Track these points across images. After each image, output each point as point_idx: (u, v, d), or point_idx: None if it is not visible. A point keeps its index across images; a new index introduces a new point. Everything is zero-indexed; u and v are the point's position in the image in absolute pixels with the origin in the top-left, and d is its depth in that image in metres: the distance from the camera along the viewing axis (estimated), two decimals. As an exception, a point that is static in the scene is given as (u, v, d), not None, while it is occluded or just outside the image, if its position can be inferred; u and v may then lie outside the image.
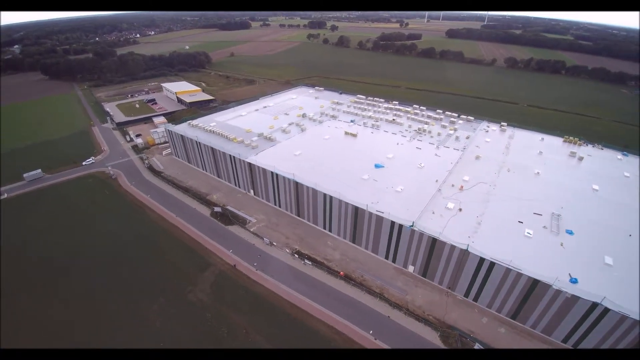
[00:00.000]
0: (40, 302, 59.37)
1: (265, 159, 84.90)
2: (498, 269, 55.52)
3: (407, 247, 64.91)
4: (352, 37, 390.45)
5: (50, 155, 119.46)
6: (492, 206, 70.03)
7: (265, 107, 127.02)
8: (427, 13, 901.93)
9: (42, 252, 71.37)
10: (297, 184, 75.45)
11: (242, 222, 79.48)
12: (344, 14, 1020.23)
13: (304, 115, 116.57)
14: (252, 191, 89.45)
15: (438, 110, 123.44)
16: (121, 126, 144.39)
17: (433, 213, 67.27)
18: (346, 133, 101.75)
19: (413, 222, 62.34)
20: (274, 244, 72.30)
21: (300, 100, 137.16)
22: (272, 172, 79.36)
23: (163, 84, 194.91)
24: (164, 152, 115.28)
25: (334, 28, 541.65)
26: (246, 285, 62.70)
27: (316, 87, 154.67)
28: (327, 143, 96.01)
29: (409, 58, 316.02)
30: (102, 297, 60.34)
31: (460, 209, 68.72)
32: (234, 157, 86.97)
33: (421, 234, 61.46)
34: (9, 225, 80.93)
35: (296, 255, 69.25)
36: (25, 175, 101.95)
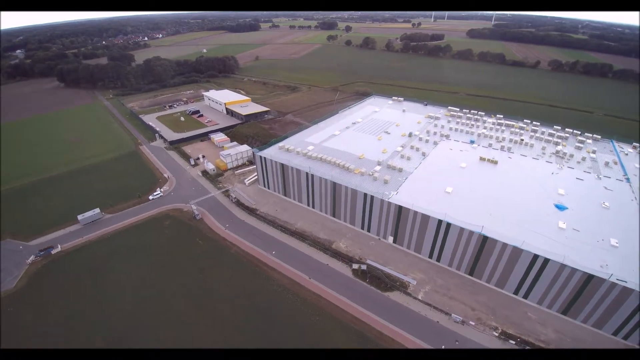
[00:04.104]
0: None
1: (411, 199, 66.56)
2: None
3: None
4: (374, 39, 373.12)
5: (103, 186, 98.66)
6: None
7: (354, 123, 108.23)
8: (433, 13, 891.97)
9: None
10: (485, 239, 57.28)
11: (402, 286, 60.92)
12: (346, 14, 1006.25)
13: (410, 135, 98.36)
14: (391, 238, 70.84)
15: (556, 127, 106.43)
16: (174, 145, 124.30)
17: (691, 281, 50.10)
18: (482, 159, 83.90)
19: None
20: (471, 322, 53.86)
21: (387, 113, 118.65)
22: (439, 221, 60.97)
23: (205, 93, 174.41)
24: (246, 181, 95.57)
25: (348, 29, 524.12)
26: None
27: (393, 97, 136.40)
28: (468, 173, 77.91)
29: (445, 60, 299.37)
30: None
31: None
32: (371, 196, 68.30)
33: None
34: (75, 308, 59.36)
35: (511, 341, 50.91)
36: (79, 217, 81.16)
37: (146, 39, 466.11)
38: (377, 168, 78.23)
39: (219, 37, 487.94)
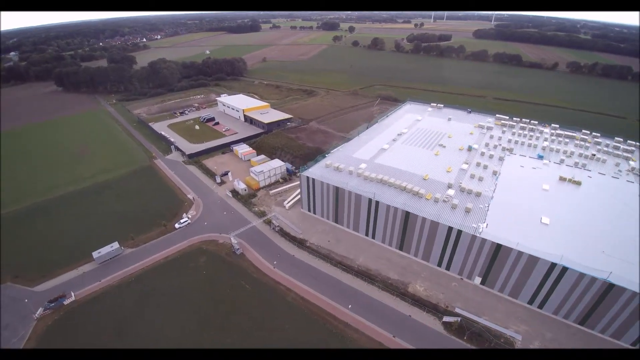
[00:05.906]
0: None
1: (505, 233, 55.59)
2: None
3: None
4: (383, 39, 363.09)
5: (118, 210, 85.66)
6: None
7: (399, 134, 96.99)
8: (432, 13, 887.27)
9: None
10: (611, 286, 46.54)
11: (507, 343, 49.74)
12: (344, 14, 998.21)
13: (470, 149, 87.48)
14: (478, 279, 59.68)
15: (617, 138, 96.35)
16: (194, 158, 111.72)
17: None
18: (562, 179, 73.26)
19: None
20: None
21: (432, 122, 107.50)
22: (552, 264, 49.96)
23: (218, 99, 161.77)
24: (286, 204, 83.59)
25: (351, 29, 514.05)
26: None
27: (432, 104, 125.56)
28: (555, 198, 67.01)
29: (459, 62, 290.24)
30: None
31: None
32: (458, 231, 57.09)
33: None
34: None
35: None
36: (95, 254, 67.97)
37: (144, 40, 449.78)
38: (451, 192, 67.02)
39: (219, 38, 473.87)
